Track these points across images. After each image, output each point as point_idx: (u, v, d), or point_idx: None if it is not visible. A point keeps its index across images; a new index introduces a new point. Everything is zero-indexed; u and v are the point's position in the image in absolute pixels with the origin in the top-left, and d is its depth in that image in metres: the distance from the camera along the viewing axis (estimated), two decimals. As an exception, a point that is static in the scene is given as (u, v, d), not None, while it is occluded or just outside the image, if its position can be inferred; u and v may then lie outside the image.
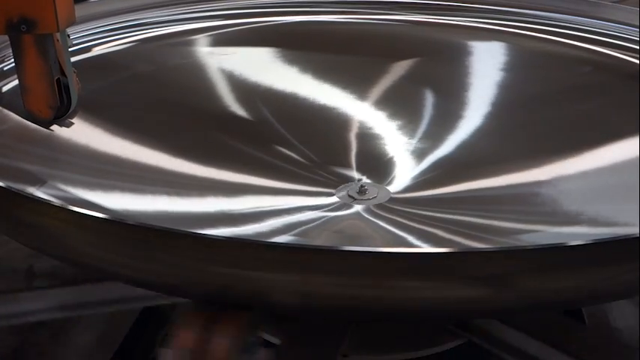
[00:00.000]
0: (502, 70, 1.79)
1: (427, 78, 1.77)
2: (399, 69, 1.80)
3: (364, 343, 1.32)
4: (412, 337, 1.33)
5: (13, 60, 1.41)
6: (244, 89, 1.72)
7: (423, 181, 1.55)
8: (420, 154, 1.61)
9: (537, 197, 1.48)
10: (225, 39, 1.82)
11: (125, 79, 1.66)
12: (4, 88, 1.50)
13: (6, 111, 1.43)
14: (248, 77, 1.75)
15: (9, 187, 1.04)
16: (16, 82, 1.43)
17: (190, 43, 1.79)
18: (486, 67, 1.80)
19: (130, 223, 0.95)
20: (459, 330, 1.32)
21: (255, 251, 0.92)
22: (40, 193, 1.24)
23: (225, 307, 0.98)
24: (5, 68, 1.51)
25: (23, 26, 1.34)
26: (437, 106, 1.72)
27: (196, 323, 0.96)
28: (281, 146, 1.60)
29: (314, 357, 1.25)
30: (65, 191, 1.30)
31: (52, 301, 1.39)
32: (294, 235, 1.35)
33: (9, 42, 1.40)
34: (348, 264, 0.91)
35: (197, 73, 1.74)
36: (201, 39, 1.81)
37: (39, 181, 1.30)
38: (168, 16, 1.81)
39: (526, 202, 1.48)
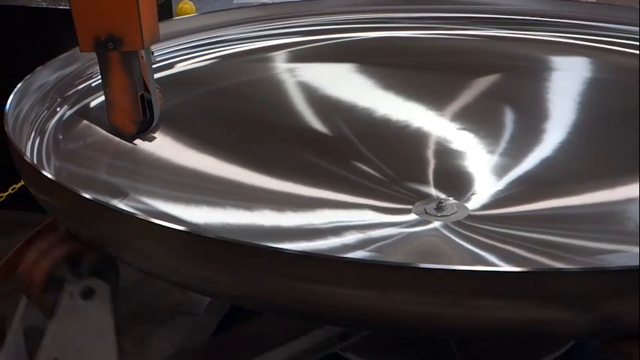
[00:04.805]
0: (585, 85, 1.75)
1: (507, 94, 1.74)
2: (479, 84, 1.77)
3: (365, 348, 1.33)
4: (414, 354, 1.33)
5: (99, 76, 1.45)
6: (322, 104, 1.72)
7: (503, 198, 1.51)
8: (499, 171, 1.58)
9: (620, 216, 1.44)
10: (304, 55, 1.82)
11: (206, 95, 1.68)
12: (92, 104, 1.54)
13: (93, 125, 1.48)
14: (326, 92, 1.75)
15: (94, 199, 1.07)
16: (103, 97, 1.47)
17: (270, 59, 1.80)
18: (568, 83, 1.75)
19: (209, 236, 0.96)
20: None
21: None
22: (123, 205, 1.27)
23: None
24: (93, 84, 1.55)
25: (110, 44, 1.39)
26: (517, 122, 1.69)
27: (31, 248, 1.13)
28: (358, 161, 1.59)
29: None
30: (147, 204, 1.33)
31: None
32: (369, 250, 1.33)
33: (97, 59, 1.44)
34: (424, 281, 0.91)
35: (276, 89, 1.75)
36: (280, 55, 1.82)
37: (122, 193, 1.33)
38: (248, 33, 1.82)
39: (608, 221, 1.44)
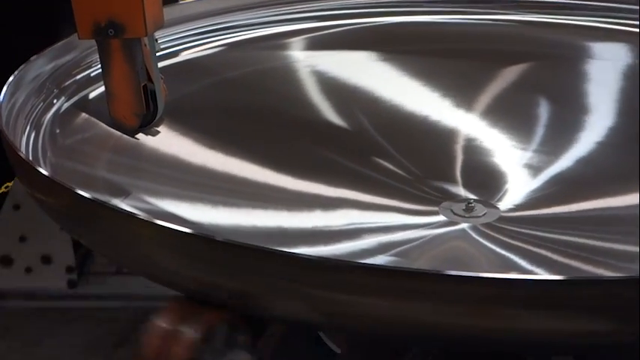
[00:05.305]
0: (626, 75, 1.68)
1: (541, 84, 1.68)
2: (510, 74, 1.72)
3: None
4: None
5: (99, 66, 1.41)
6: (340, 96, 1.67)
7: (537, 198, 1.46)
8: (533, 169, 1.52)
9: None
10: (321, 42, 1.78)
11: (214, 86, 1.64)
12: (91, 95, 1.50)
13: (92, 118, 1.44)
14: (344, 82, 1.70)
15: (93, 198, 1.02)
16: (103, 88, 1.43)
17: (283, 47, 1.76)
18: (608, 72, 1.69)
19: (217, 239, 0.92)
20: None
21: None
22: (124, 204, 1.23)
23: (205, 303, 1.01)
24: (92, 74, 1.51)
25: (111, 30, 1.35)
26: (552, 116, 1.63)
27: (171, 315, 1.01)
28: (380, 158, 1.54)
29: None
30: (150, 203, 1.29)
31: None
32: (393, 255, 1.28)
33: (96, 47, 1.40)
34: (450, 289, 0.86)
35: (290, 79, 1.70)
36: (295, 42, 1.77)
37: (124, 192, 1.30)
38: (260, 19, 1.78)
39: None
